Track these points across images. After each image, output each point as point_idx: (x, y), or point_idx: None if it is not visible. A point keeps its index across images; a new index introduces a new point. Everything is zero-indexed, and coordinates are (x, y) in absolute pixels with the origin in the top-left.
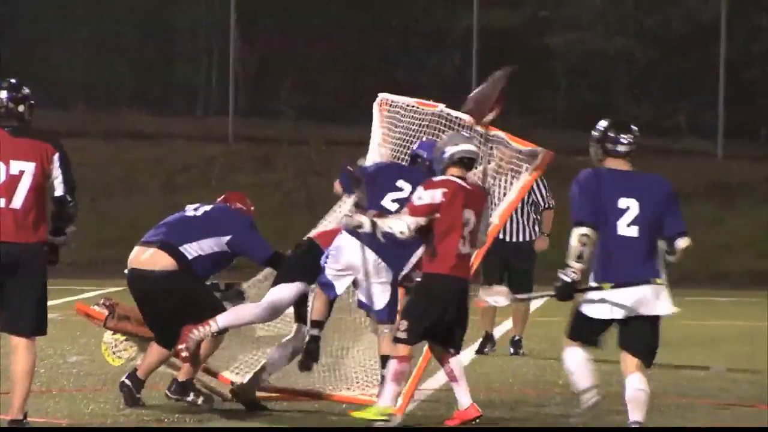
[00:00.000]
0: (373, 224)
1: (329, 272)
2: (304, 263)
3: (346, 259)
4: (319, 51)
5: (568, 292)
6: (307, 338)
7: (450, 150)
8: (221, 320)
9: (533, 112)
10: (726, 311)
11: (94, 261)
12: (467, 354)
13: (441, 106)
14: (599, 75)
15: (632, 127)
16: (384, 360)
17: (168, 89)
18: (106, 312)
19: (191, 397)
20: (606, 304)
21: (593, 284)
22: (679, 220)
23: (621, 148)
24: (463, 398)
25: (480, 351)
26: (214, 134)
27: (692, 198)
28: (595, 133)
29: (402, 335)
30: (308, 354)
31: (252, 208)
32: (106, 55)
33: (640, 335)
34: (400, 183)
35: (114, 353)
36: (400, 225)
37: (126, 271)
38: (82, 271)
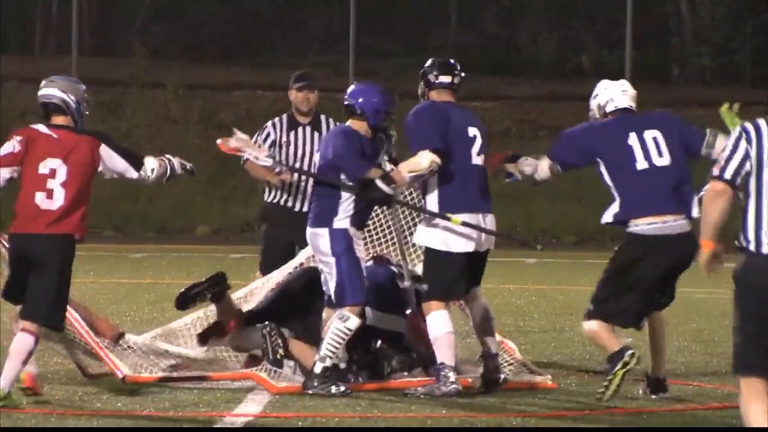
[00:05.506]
0: None
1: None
2: None
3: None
4: None
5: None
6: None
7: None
8: None
9: (420, 52)
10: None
11: None
12: None
13: None
14: (496, 7)
15: (456, 64)
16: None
17: None
18: None
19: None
20: (462, 237)
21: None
22: None
23: (444, 79)
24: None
25: None
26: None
27: None
28: (421, 72)
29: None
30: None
31: None
32: None
33: (480, 268)
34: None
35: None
36: None
37: None
38: None
